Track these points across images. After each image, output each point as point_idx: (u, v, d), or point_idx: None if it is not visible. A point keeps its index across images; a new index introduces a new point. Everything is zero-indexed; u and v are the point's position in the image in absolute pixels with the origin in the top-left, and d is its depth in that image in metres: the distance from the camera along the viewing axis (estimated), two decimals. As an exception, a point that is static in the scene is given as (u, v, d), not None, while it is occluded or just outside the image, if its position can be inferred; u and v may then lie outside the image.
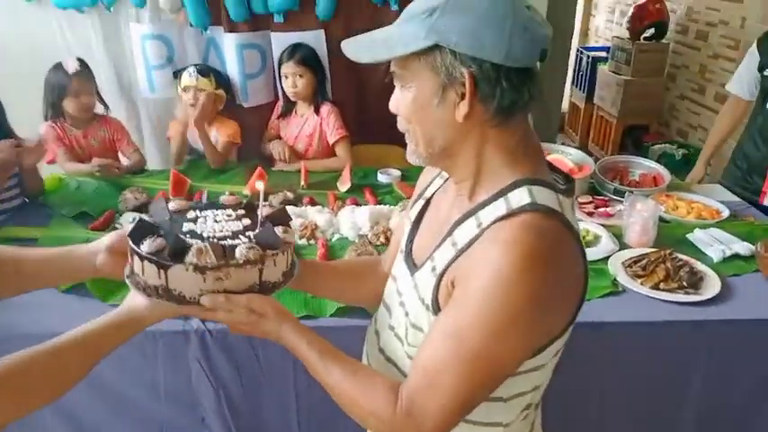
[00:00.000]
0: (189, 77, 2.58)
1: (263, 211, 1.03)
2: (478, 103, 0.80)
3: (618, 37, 4.92)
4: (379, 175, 2.52)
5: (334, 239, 2.03)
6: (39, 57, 2.75)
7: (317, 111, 2.69)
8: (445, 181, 0.99)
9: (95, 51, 2.78)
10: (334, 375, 0.88)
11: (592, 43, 6.29)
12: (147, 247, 0.92)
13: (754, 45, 2.48)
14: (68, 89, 2.38)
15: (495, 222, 0.81)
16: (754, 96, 2.51)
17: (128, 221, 2.05)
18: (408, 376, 0.85)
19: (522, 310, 0.77)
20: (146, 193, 2.27)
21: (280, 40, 2.78)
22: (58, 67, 2.39)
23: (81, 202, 2.22)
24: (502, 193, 0.84)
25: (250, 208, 1.08)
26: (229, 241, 0.96)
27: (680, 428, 1.71)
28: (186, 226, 1.00)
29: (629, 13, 4.72)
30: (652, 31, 4.66)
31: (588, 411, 1.70)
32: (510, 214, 0.80)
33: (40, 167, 2.33)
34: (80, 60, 2.43)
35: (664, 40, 4.69)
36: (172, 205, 1.06)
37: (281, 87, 2.75)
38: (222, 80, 2.71)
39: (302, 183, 2.42)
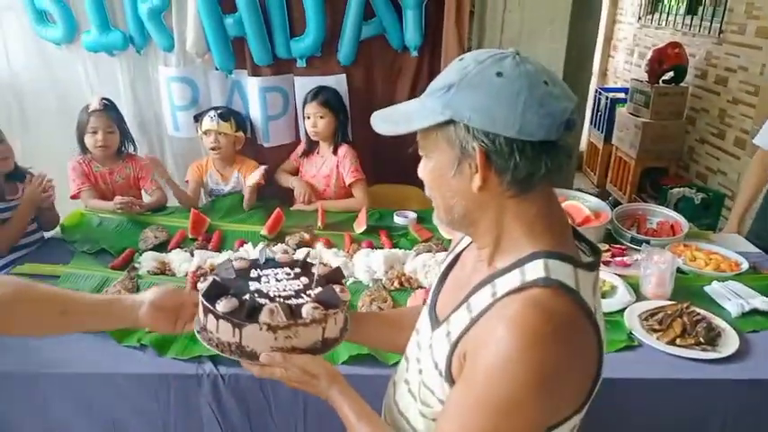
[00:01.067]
0: (210, 121, 2.65)
1: (318, 269, 1.14)
2: (494, 175, 0.82)
3: (637, 79, 4.94)
4: (395, 217, 2.53)
5: (348, 283, 2.04)
6: (66, 97, 2.87)
7: (335, 152, 2.74)
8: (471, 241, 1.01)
9: (123, 92, 2.88)
10: None
11: (611, 84, 6.32)
12: (222, 307, 1.01)
13: None
14: (87, 126, 2.48)
15: (507, 295, 0.82)
16: None
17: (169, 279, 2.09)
18: None
19: (526, 391, 0.77)
20: (166, 231, 2.32)
21: (303, 84, 2.87)
22: (86, 106, 2.49)
23: (101, 239, 2.27)
24: (519, 263, 0.84)
25: (305, 266, 1.19)
26: (294, 300, 1.06)
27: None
28: (253, 285, 1.10)
29: (648, 56, 4.74)
30: (671, 74, 4.67)
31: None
32: (522, 288, 0.81)
33: (58, 203, 2.41)
34: (105, 99, 2.51)
35: (683, 84, 4.70)
36: (236, 264, 1.16)
37: (305, 127, 2.81)
38: (242, 122, 2.78)
39: (319, 223, 2.45)
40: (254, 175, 2.56)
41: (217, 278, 1.10)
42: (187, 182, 2.79)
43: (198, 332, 1.08)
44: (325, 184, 2.77)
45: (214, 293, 1.04)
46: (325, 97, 2.69)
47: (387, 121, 0.89)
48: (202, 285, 1.07)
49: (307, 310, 1.02)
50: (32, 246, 2.29)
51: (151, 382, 1.58)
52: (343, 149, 2.74)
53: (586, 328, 0.82)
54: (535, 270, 0.82)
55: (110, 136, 2.51)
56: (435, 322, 0.97)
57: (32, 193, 2.21)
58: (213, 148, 2.67)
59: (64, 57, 2.87)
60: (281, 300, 1.05)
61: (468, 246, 1.02)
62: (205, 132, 2.67)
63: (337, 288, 1.09)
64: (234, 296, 1.04)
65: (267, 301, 1.04)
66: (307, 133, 2.79)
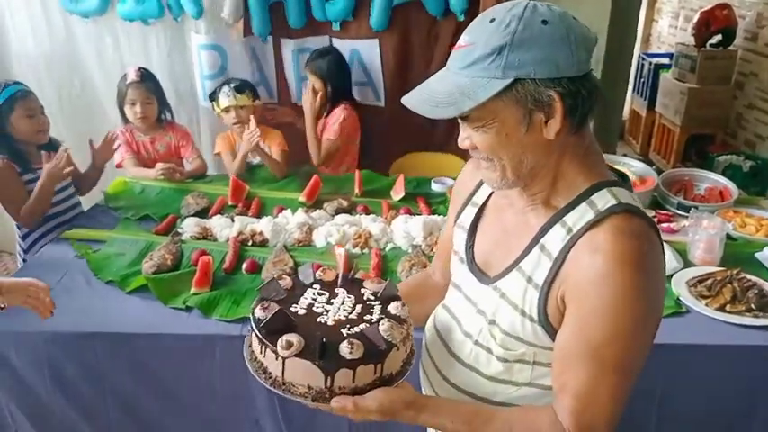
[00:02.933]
0: (227, 98, 2.59)
1: (372, 286, 1.07)
2: (565, 117, 0.84)
3: (682, 43, 4.75)
4: (433, 184, 2.51)
5: (387, 249, 2.04)
6: (103, 67, 2.90)
7: (328, 115, 2.75)
8: (492, 191, 1.03)
9: (157, 61, 2.90)
10: None
11: (654, 49, 6.09)
12: (293, 350, 0.90)
13: None
14: (126, 98, 2.50)
15: (587, 229, 0.86)
16: None
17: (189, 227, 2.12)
18: (560, 402, 0.89)
19: (645, 313, 0.85)
20: (206, 198, 2.35)
21: (338, 45, 2.85)
22: (124, 77, 2.52)
23: (144, 206, 2.32)
24: (583, 197, 0.89)
25: (347, 283, 1.09)
26: (361, 325, 0.97)
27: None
28: (317, 318, 0.99)
29: (695, 19, 4.54)
30: (719, 37, 4.47)
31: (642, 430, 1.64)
32: (600, 219, 0.86)
33: (106, 170, 2.46)
34: (143, 70, 2.53)
35: (731, 47, 4.50)
36: (282, 283, 1.07)
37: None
38: (255, 90, 2.72)
39: (356, 191, 2.44)
40: (246, 138, 2.52)
41: (283, 309, 0.97)
42: (217, 155, 2.76)
43: (251, 363, 0.98)
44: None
45: (276, 327, 0.94)
46: (313, 64, 2.70)
47: (438, 105, 0.85)
48: (261, 314, 0.96)
49: (384, 330, 0.94)
50: (70, 211, 2.34)
51: (196, 342, 1.62)
52: (337, 111, 2.72)
53: (657, 239, 0.88)
54: (604, 199, 0.87)
55: (148, 107, 2.53)
56: (482, 274, 1.00)
57: (51, 169, 2.15)
58: (236, 123, 2.63)
59: (92, 30, 2.89)
60: (350, 328, 0.96)
61: (490, 196, 1.05)
62: (225, 110, 2.62)
63: (398, 305, 1.02)
64: (298, 334, 0.93)
65: (334, 331, 0.94)
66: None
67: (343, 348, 0.90)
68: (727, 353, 1.55)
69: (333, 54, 2.75)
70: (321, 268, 1.12)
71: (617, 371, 0.85)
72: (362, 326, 0.97)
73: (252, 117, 2.54)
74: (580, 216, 0.88)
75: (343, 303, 1.03)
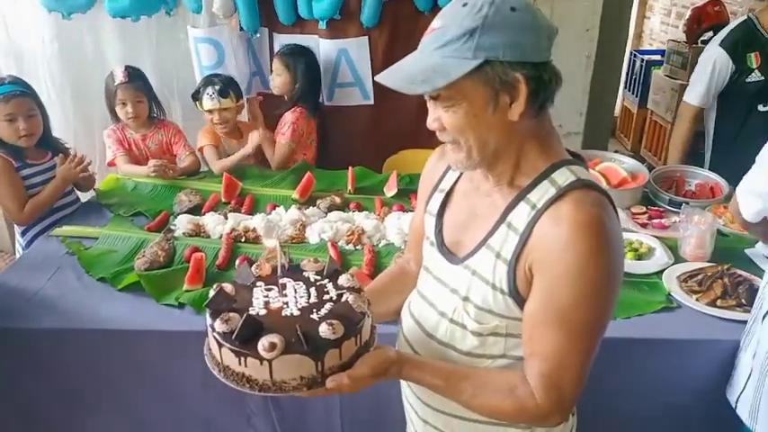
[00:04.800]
0: (211, 101, 2.57)
1: (312, 269, 1.09)
2: (528, 100, 0.89)
3: (674, 40, 4.76)
4: (425, 180, 2.51)
5: (380, 245, 2.04)
6: (93, 65, 2.87)
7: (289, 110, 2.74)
8: (462, 173, 1.09)
9: (147, 57, 2.87)
10: (468, 391, 0.97)
11: (646, 46, 6.11)
12: (278, 349, 0.89)
13: None
14: (116, 98, 2.49)
15: (551, 204, 0.92)
16: None
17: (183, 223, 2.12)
18: (530, 366, 0.95)
19: (608, 276, 0.90)
20: (199, 195, 2.34)
21: (326, 46, 2.84)
22: (111, 75, 2.51)
23: (137, 203, 2.31)
24: (544, 175, 0.95)
25: (288, 272, 1.07)
26: (309, 315, 0.96)
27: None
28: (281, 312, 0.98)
29: (687, 16, 4.56)
30: (710, 34, 4.46)
31: (636, 426, 1.65)
32: (562, 194, 0.92)
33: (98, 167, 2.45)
34: (130, 69, 2.51)
35: (723, 44, 4.51)
36: (256, 270, 1.07)
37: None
38: (239, 90, 2.70)
39: (349, 187, 2.44)
40: (253, 139, 2.55)
41: (249, 314, 0.94)
42: (201, 149, 2.70)
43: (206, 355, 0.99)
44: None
45: (248, 334, 0.91)
46: (286, 57, 2.70)
47: (413, 81, 0.89)
48: (225, 328, 0.93)
49: (353, 302, 0.97)
50: (69, 207, 2.33)
51: (189, 339, 1.60)
52: (288, 115, 2.71)
53: (614, 210, 0.95)
54: (564, 176, 0.94)
55: (139, 105, 2.52)
56: (451, 255, 1.06)
57: (67, 172, 2.21)
58: (218, 124, 2.63)
59: (88, 25, 2.86)
60: (317, 311, 0.97)
61: (457, 179, 1.10)
62: (209, 111, 2.61)
63: (344, 278, 1.04)
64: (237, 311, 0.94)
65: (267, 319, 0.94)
66: None
67: (325, 330, 0.91)
68: (718, 348, 1.56)
69: (308, 57, 2.76)
70: (255, 264, 1.10)
71: (583, 333, 0.91)
72: (328, 306, 0.99)
73: (258, 132, 2.55)
74: (543, 193, 0.94)
75: (296, 292, 1.02)
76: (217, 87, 2.57)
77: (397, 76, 0.92)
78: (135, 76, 2.51)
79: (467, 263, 1.02)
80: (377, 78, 0.93)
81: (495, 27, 0.86)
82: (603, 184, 2.11)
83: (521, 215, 0.95)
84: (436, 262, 1.10)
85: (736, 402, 1.48)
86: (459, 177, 1.10)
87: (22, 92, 2.16)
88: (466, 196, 1.07)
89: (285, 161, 2.69)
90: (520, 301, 0.96)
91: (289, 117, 2.70)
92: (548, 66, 0.91)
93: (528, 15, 0.88)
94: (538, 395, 0.92)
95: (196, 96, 2.64)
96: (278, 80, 2.73)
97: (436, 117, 0.94)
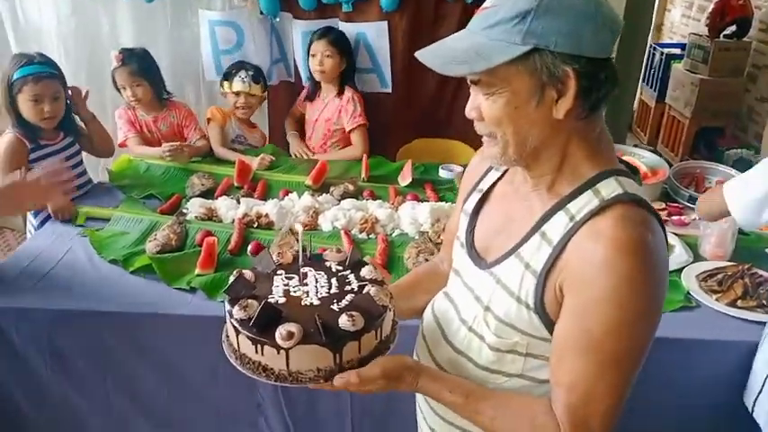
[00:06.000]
0: (243, 83, 2.61)
1: (335, 259, 1.05)
2: (577, 98, 0.81)
3: (695, 33, 4.67)
4: (440, 170, 2.48)
5: (394, 235, 2.01)
6: (107, 45, 2.86)
7: (339, 95, 2.69)
8: (503, 173, 1.01)
9: (162, 39, 2.85)
10: (488, 413, 0.90)
11: (666, 39, 6.01)
12: (296, 338, 0.87)
13: None
14: (116, 82, 2.49)
15: (591, 216, 0.83)
16: None
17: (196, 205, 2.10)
18: (556, 395, 0.87)
19: (647, 305, 0.81)
20: (212, 178, 2.33)
21: (345, 29, 2.79)
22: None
23: (149, 185, 2.29)
24: (588, 184, 0.86)
25: (310, 261, 1.06)
26: (329, 306, 0.94)
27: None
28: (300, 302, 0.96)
29: (710, 9, 4.47)
30: (733, 28, 4.38)
31: (653, 426, 1.63)
32: (604, 206, 0.82)
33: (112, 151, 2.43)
34: (126, 51, 2.48)
35: (746, 39, 4.42)
36: (276, 258, 1.05)
37: (308, 68, 2.76)
38: (266, 81, 2.74)
39: (363, 175, 2.41)
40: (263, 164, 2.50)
41: (268, 302, 0.92)
42: (209, 120, 2.68)
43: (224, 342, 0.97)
44: (327, 129, 2.72)
45: (266, 322, 0.89)
46: (334, 36, 2.64)
47: (451, 61, 0.83)
48: (243, 315, 0.91)
49: (375, 295, 0.94)
50: (81, 189, 2.29)
51: (200, 324, 1.60)
52: (349, 93, 2.68)
53: (662, 233, 0.85)
54: (610, 188, 0.85)
55: (138, 89, 2.49)
56: (479, 259, 0.99)
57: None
58: (241, 108, 2.65)
59: (91, 6, 2.84)
60: (338, 302, 0.94)
61: (498, 180, 1.02)
62: (236, 93, 2.63)
63: (366, 270, 1.02)
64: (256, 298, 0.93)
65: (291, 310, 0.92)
66: (311, 76, 2.75)
67: (345, 322, 0.89)
68: (737, 349, 1.53)
69: (338, 31, 2.72)
70: (276, 252, 1.08)
71: (614, 365, 0.82)
72: (349, 297, 0.96)
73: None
74: (584, 204, 0.85)
75: (317, 282, 1.00)
76: (250, 72, 2.63)
77: (437, 53, 0.84)
78: (129, 59, 2.47)
79: (493, 270, 0.95)
80: (416, 54, 0.85)
81: (551, 12, 0.77)
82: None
83: (557, 226, 0.86)
84: (464, 264, 1.03)
85: (753, 406, 1.45)
86: (499, 178, 1.02)
87: (51, 73, 2.12)
88: (504, 198, 1.00)
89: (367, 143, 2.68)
90: (545, 319, 0.88)
91: (352, 96, 2.67)
92: (607, 63, 0.82)
93: (591, 3, 0.79)
94: (563, 427, 0.85)
95: (227, 77, 2.65)
96: (328, 63, 2.62)
97: (475, 105, 0.87)
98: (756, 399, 1.43)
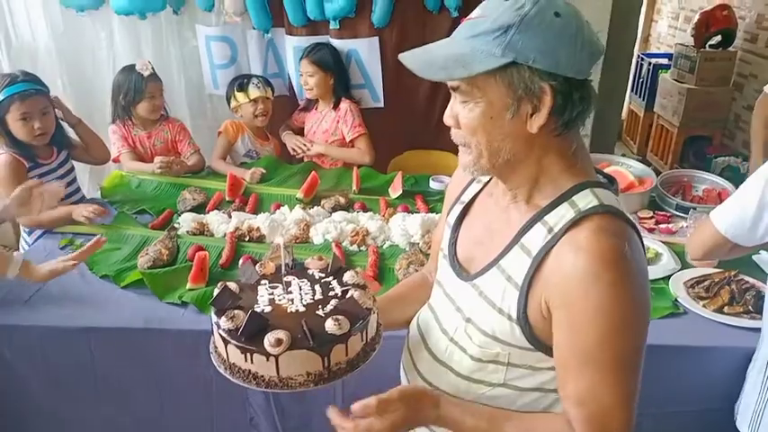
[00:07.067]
0: (258, 89, 2.66)
1: (317, 266, 1.08)
2: (551, 114, 0.83)
3: (682, 44, 4.74)
4: (431, 182, 2.50)
5: (384, 247, 2.03)
6: (101, 62, 2.87)
7: (335, 107, 2.73)
8: (484, 185, 1.03)
9: (156, 55, 2.87)
10: None
11: (653, 50, 6.09)
12: (285, 345, 0.89)
13: None
14: (144, 92, 2.45)
15: (568, 228, 0.85)
16: None
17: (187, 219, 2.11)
18: (570, 409, 0.88)
19: (633, 311, 0.83)
20: (204, 193, 2.34)
21: (337, 46, 2.82)
22: (130, 69, 2.47)
23: (141, 201, 2.30)
24: (564, 197, 0.88)
25: (292, 270, 1.08)
26: (316, 312, 0.97)
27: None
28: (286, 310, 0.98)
29: (695, 20, 4.54)
30: (718, 38, 4.46)
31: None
32: (581, 218, 0.84)
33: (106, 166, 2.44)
34: (150, 63, 2.51)
35: (731, 48, 4.49)
36: (260, 269, 1.07)
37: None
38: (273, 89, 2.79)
39: (354, 188, 2.43)
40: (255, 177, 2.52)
41: (254, 311, 0.95)
42: (219, 133, 2.72)
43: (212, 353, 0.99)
44: (324, 140, 2.74)
45: (254, 330, 0.91)
46: (317, 56, 2.66)
47: (431, 66, 0.85)
48: (231, 325, 0.93)
49: (359, 298, 0.97)
50: (72, 197, 2.31)
51: (192, 338, 1.60)
52: (345, 105, 2.71)
53: (639, 242, 0.87)
54: (586, 200, 0.86)
55: (162, 100, 2.54)
56: (462, 271, 1.00)
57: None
58: (261, 115, 2.68)
59: (86, 23, 2.86)
60: (323, 308, 0.97)
61: (479, 192, 1.04)
62: (254, 100, 2.66)
63: (349, 275, 1.05)
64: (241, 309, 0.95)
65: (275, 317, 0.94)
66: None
67: (331, 326, 0.91)
68: (725, 355, 1.55)
69: (330, 47, 2.75)
70: (259, 263, 1.10)
71: (615, 370, 0.84)
72: (333, 302, 0.98)
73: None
74: (561, 216, 0.87)
75: (301, 289, 1.03)
76: (261, 79, 2.70)
77: (420, 59, 0.86)
78: (154, 70, 2.52)
79: (475, 281, 0.96)
80: (400, 56, 0.87)
81: (532, 28, 0.79)
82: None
83: (535, 238, 0.88)
84: (447, 276, 1.04)
85: (736, 414, 1.46)
86: (481, 190, 1.04)
87: (37, 90, 2.12)
88: (484, 210, 1.01)
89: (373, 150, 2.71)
90: (527, 331, 0.89)
91: (349, 107, 2.70)
92: (582, 84, 0.83)
93: (572, 25, 0.80)
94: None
95: (241, 88, 2.68)
96: (312, 81, 2.67)
97: (453, 113, 0.89)
98: (738, 406, 1.45)
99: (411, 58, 0.86)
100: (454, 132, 0.91)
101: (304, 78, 2.68)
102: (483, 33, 0.81)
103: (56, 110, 2.25)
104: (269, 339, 0.89)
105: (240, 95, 2.68)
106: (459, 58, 0.82)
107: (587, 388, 0.85)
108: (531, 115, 0.83)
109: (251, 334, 0.91)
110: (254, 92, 2.66)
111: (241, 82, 2.70)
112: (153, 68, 2.49)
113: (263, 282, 1.05)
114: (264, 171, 2.54)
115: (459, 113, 0.88)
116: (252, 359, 0.90)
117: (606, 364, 0.83)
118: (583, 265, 0.81)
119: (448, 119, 0.91)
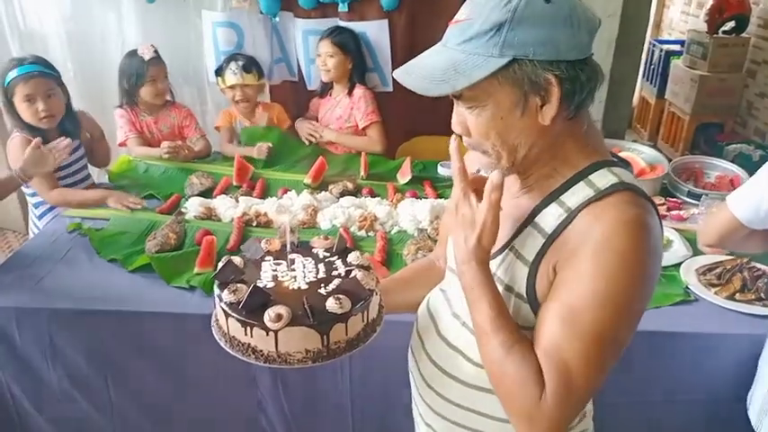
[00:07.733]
0: (234, 76, 2.58)
1: (322, 245, 1.07)
2: (562, 101, 0.81)
3: (694, 30, 4.67)
4: (439, 168, 2.48)
5: (393, 232, 2.02)
6: (108, 46, 2.86)
7: (349, 94, 2.69)
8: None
9: (163, 39, 2.85)
10: (508, 341, 0.83)
11: (665, 36, 6.01)
12: (284, 320, 0.89)
13: None
14: (145, 75, 2.44)
15: (586, 205, 0.82)
16: None
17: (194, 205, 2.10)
18: (540, 360, 0.82)
19: (640, 284, 0.80)
20: (211, 178, 2.33)
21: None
22: (133, 54, 2.46)
23: (148, 185, 2.30)
24: (581, 175, 0.86)
25: (297, 248, 1.08)
26: (317, 289, 0.97)
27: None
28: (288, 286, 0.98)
29: (708, 6, 4.47)
30: (732, 24, 4.40)
31: (651, 420, 1.63)
32: (601, 195, 0.82)
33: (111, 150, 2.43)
34: (153, 47, 2.49)
35: (744, 35, 4.43)
36: (264, 246, 1.06)
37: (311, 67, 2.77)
38: (261, 69, 2.71)
39: (362, 173, 2.42)
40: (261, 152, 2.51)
41: (257, 285, 0.94)
42: (217, 128, 2.73)
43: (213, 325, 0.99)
44: (338, 126, 2.72)
45: (256, 304, 0.91)
46: (339, 38, 2.61)
47: (432, 81, 0.81)
48: (233, 298, 0.93)
49: (362, 279, 0.97)
50: (81, 185, 2.31)
51: (199, 322, 1.60)
52: (359, 91, 2.67)
53: (660, 225, 0.85)
54: (604, 178, 0.84)
55: (166, 84, 2.52)
56: None
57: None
58: (239, 101, 2.63)
59: (95, 7, 2.85)
60: (325, 286, 0.96)
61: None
62: (231, 87, 2.61)
63: (353, 256, 1.04)
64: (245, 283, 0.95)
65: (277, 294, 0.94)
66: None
67: (332, 305, 0.91)
68: (736, 342, 1.53)
69: (351, 32, 2.70)
70: (264, 240, 1.09)
71: (592, 340, 0.79)
72: (336, 281, 0.98)
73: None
74: (577, 194, 0.84)
75: (305, 267, 1.02)
76: (240, 63, 2.59)
77: (415, 74, 0.83)
78: (158, 54, 2.49)
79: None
80: (394, 74, 0.85)
81: (525, 21, 0.77)
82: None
83: (550, 218, 0.86)
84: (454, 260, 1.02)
85: (748, 403, 1.45)
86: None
87: (40, 71, 2.09)
88: None
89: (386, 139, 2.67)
90: (536, 307, 0.86)
91: (362, 94, 2.66)
92: (586, 63, 0.81)
93: (564, 8, 0.78)
94: (546, 392, 0.80)
95: (219, 72, 2.64)
96: (331, 62, 2.61)
97: (460, 120, 0.86)
98: (751, 395, 1.44)
99: (407, 77, 0.83)
100: (466, 140, 0.88)
101: (322, 59, 2.62)
102: (476, 36, 0.79)
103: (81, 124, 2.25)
104: (269, 314, 0.89)
105: (219, 80, 2.66)
106: (458, 67, 0.80)
107: (556, 346, 0.80)
108: (542, 107, 0.81)
109: (252, 308, 0.91)
110: (229, 78, 2.60)
111: (221, 66, 2.66)
112: (156, 52, 2.46)
113: (267, 258, 1.05)
114: (270, 145, 2.51)
115: (468, 120, 0.85)
116: (251, 333, 0.91)
117: (585, 326, 0.78)
118: (600, 230, 0.79)
119: (456, 127, 0.88)
